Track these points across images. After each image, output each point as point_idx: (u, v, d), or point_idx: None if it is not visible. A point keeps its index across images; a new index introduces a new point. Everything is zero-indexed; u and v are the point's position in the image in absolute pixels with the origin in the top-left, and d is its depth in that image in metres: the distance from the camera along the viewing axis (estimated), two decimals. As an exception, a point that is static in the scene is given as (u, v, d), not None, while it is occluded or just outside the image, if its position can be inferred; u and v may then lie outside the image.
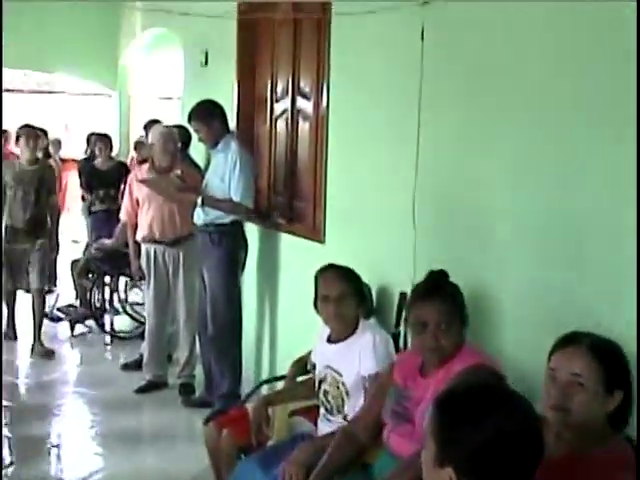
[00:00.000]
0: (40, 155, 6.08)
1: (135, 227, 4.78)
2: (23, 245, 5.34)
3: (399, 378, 2.29)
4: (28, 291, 5.45)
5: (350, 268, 2.76)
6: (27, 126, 5.50)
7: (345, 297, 2.66)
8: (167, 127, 4.90)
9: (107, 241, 5.62)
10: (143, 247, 4.75)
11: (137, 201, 4.75)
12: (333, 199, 3.76)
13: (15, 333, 5.73)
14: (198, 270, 4.43)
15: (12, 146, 8.54)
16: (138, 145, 7.25)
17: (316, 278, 2.78)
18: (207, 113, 4.26)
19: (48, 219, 5.48)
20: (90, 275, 6.16)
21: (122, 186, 6.11)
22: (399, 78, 3.08)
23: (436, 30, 2.80)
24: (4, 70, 7.07)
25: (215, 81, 5.33)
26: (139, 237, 4.72)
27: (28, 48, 8.78)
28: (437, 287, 2.23)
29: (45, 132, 7.31)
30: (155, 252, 4.70)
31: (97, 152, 6.63)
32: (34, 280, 5.36)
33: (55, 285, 7.42)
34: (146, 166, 4.69)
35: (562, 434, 1.59)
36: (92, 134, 7.77)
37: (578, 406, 1.59)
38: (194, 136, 4.63)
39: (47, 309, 6.02)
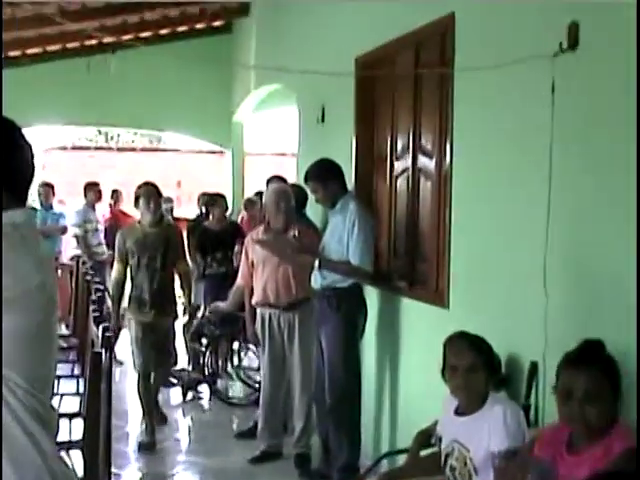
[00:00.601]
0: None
1: (251, 290, 4.92)
2: (150, 319, 5.19)
3: (543, 453, 2.27)
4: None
5: (481, 337, 2.79)
6: (147, 184, 5.30)
7: (475, 368, 2.71)
8: (281, 186, 5.08)
9: (222, 304, 5.76)
10: (258, 311, 4.87)
11: (252, 264, 4.89)
12: (457, 262, 3.77)
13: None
14: (315, 336, 4.52)
15: (123, 206, 9.23)
16: (249, 204, 7.70)
17: (445, 346, 2.83)
18: (324, 173, 4.43)
19: (178, 289, 5.38)
20: (203, 339, 6.36)
21: (235, 247, 6.40)
22: (527, 135, 3.09)
23: (567, 83, 2.80)
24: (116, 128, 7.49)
25: (332, 138, 5.50)
26: (254, 301, 4.84)
27: (140, 107, 9.40)
28: (590, 356, 2.23)
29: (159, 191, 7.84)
30: (270, 317, 4.80)
31: (211, 212, 6.89)
32: (160, 359, 5.23)
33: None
34: (262, 227, 4.87)
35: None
36: (204, 194, 8.17)
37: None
38: (311, 195, 4.78)
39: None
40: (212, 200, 6.97)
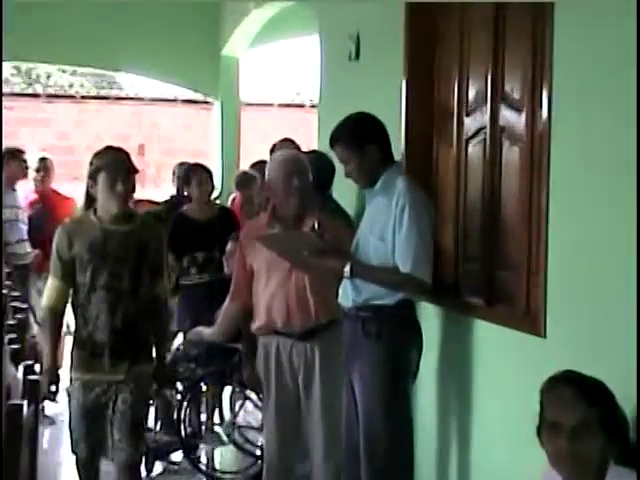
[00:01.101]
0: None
1: (250, 311, 4.89)
2: (109, 380, 4.79)
3: None
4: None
5: (598, 382, 2.81)
6: (112, 150, 4.87)
7: (588, 427, 2.71)
8: (293, 153, 5.09)
9: (206, 331, 5.75)
10: (260, 342, 4.86)
11: (251, 272, 4.87)
12: (558, 269, 3.76)
13: None
14: (345, 376, 4.54)
15: (55, 183, 9.25)
16: (244, 180, 7.71)
17: (542, 393, 2.86)
18: (360, 134, 4.45)
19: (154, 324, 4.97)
20: (178, 384, 6.29)
21: (228, 245, 6.35)
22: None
23: None
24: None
25: (371, 83, 5.54)
26: (254, 326, 4.84)
27: (82, 35, 9.59)
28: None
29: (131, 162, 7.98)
30: (278, 349, 4.83)
31: (190, 192, 6.91)
32: (123, 447, 4.76)
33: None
34: (264, 216, 4.89)
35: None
36: (182, 164, 8.19)
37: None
38: (339, 168, 4.82)
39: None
40: (192, 174, 7.00)
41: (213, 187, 7.10)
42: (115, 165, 4.66)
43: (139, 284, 4.70)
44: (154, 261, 4.78)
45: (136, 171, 4.83)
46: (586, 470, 2.72)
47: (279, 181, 4.80)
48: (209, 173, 7.03)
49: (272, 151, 6.29)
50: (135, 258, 4.70)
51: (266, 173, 4.96)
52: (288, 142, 6.39)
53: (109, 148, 4.85)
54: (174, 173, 8.49)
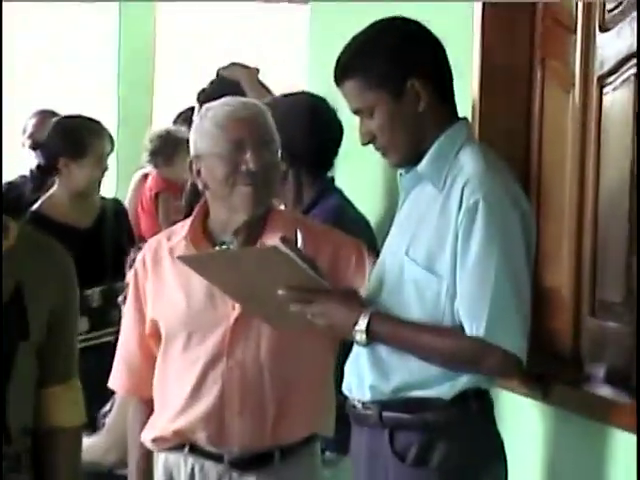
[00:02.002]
0: None
1: (149, 406, 3.76)
2: None
3: None
4: None
5: None
6: None
7: None
8: (250, 105, 3.90)
9: (86, 442, 4.46)
10: (159, 463, 3.82)
11: (156, 332, 3.66)
12: None
13: None
14: None
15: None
16: (165, 148, 6.48)
17: None
18: (397, 61, 3.27)
19: None
20: None
21: (127, 275, 5.44)
22: None
23: None
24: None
25: None
26: (151, 436, 3.77)
27: None
28: None
29: None
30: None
31: (60, 171, 5.41)
32: None
33: None
34: (187, 222, 3.74)
35: None
36: (41, 114, 6.84)
37: None
38: (351, 128, 3.76)
39: None
40: (69, 135, 5.41)
41: (105, 169, 5.45)
42: None
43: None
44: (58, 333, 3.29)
45: None
46: None
47: (215, 159, 3.51)
48: (107, 135, 5.43)
49: (209, 92, 5.00)
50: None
51: (191, 142, 3.66)
52: (239, 66, 5.09)
53: None
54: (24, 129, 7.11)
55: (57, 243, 2.95)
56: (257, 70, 5.29)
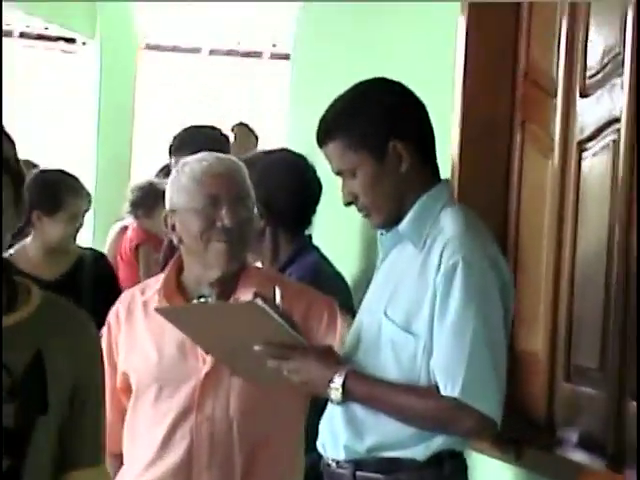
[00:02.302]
0: None
1: (118, 460, 3.64)
2: None
3: None
4: None
5: None
6: None
7: None
8: (226, 161, 3.84)
9: None
10: None
11: (127, 386, 3.63)
12: None
13: None
14: None
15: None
16: (145, 199, 6.53)
17: None
18: (379, 124, 3.30)
19: None
20: None
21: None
22: None
23: None
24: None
25: (391, 21, 4.69)
26: None
27: None
28: None
29: None
30: None
31: (33, 226, 5.34)
32: None
33: None
34: (162, 276, 3.69)
35: None
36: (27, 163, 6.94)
37: None
38: (330, 185, 3.93)
39: None
40: (43, 190, 5.26)
41: (85, 209, 5.36)
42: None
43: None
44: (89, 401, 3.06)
45: None
46: None
47: (190, 215, 3.50)
48: (77, 187, 5.32)
49: (179, 145, 5.02)
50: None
51: (167, 196, 3.63)
52: (209, 128, 5.12)
53: None
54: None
55: (84, 312, 2.48)
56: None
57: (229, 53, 12.66)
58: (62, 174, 5.41)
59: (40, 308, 2.31)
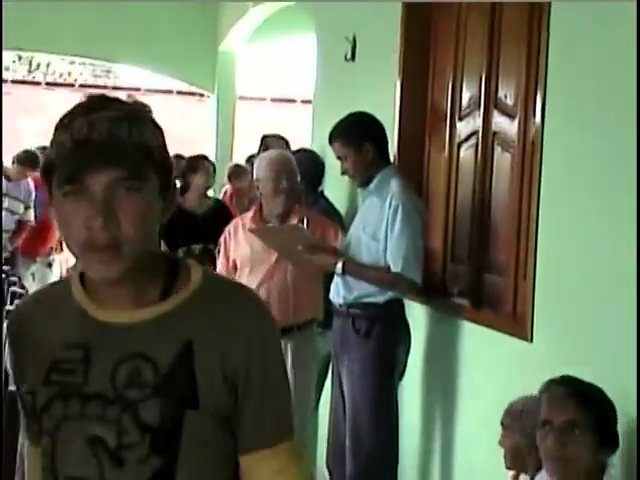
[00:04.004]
0: None
1: None
2: None
3: None
4: None
5: (595, 387, 2.87)
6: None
7: (576, 427, 2.77)
8: (280, 153, 5.19)
9: None
10: None
11: (234, 265, 4.98)
12: (546, 274, 3.79)
13: None
14: (335, 374, 4.62)
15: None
16: (236, 172, 8.02)
17: (539, 394, 2.95)
18: (358, 132, 4.58)
19: None
20: None
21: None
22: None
23: None
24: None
25: (366, 84, 5.60)
26: None
27: (82, 25, 9.56)
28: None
29: None
30: None
31: (191, 184, 6.94)
32: None
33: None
34: (250, 213, 5.04)
35: None
36: (177, 157, 8.25)
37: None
38: (332, 168, 4.92)
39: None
40: (193, 166, 6.98)
41: (214, 180, 7.17)
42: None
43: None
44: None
45: None
46: (573, 472, 2.74)
47: (266, 181, 4.87)
48: (211, 165, 7.07)
49: (261, 146, 6.51)
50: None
51: (255, 171, 5.03)
52: (276, 138, 6.55)
53: None
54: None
55: (247, 289, 2.11)
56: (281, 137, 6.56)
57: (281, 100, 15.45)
58: (203, 157, 7.11)
59: (197, 292, 1.93)
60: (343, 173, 4.64)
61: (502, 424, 3.34)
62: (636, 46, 3.10)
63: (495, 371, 4.18)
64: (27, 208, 8.80)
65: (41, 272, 9.11)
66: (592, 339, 3.44)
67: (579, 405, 2.80)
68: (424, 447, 4.75)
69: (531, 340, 3.85)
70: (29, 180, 8.88)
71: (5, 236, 8.44)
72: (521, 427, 3.22)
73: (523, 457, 3.23)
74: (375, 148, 4.51)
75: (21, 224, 8.81)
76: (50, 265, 9.27)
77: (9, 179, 8.70)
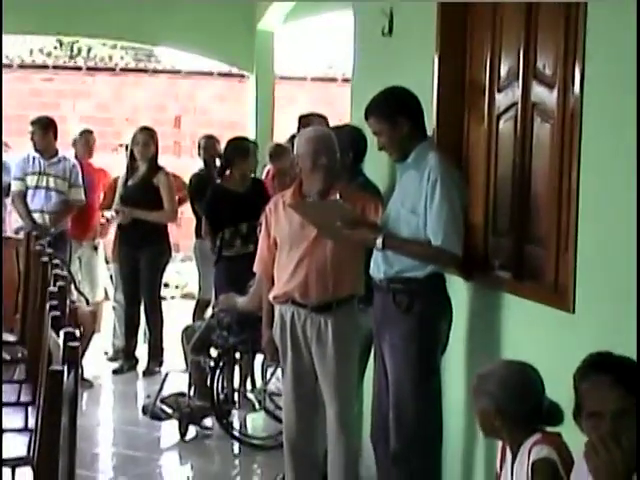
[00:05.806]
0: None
1: (271, 280, 5.02)
2: None
3: None
4: None
5: (633, 365, 2.81)
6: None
7: (627, 413, 2.69)
8: (319, 130, 5.23)
9: (240, 299, 5.88)
10: (277, 310, 4.97)
11: (275, 242, 5.03)
12: (588, 246, 3.78)
13: None
14: (377, 350, 4.64)
15: (96, 156, 9.36)
16: (277, 152, 8.12)
17: (575, 380, 2.83)
18: (394, 107, 4.58)
19: None
20: (212, 350, 6.47)
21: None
22: None
23: None
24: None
25: (404, 58, 5.62)
26: (272, 295, 4.99)
27: (122, 9, 9.71)
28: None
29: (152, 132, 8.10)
30: (293, 319, 4.93)
31: (238, 166, 7.08)
32: None
33: (160, 365, 7.97)
34: (290, 191, 5.07)
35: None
36: (209, 138, 8.58)
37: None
38: (371, 142, 4.87)
39: (146, 400, 6.57)
40: (238, 149, 7.15)
41: (255, 160, 7.35)
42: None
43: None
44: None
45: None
46: (626, 457, 2.64)
47: (306, 158, 4.86)
48: (250, 147, 7.25)
49: (300, 121, 6.67)
50: None
51: (294, 149, 5.07)
52: (316, 117, 6.64)
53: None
54: (199, 145, 8.87)
55: None
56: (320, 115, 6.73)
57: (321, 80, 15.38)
58: (246, 140, 7.31)
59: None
60: (380, 149, 4.64)
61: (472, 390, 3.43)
62: (636, 46, 3.14)
63: (537, 343, 4.16)
64: (71, 187, 8.61)
65: (87, 255, 9.15)
66: (634, 309, 3.39)
67: (627, 391, 2.74)
68: (468, 420, 4.72)
69: (573, 311, 3.84)
70: (68, 158, 8.75)
71: (48, 217, 8.38)
72: (487, 391, 3.32)
73: (491, 421, 3.31)
74: (410, 122, 4.52)
75: (68, 204, 8.63)
76: (96, 248, 9.29)
77: (41, 154, 8.54)
